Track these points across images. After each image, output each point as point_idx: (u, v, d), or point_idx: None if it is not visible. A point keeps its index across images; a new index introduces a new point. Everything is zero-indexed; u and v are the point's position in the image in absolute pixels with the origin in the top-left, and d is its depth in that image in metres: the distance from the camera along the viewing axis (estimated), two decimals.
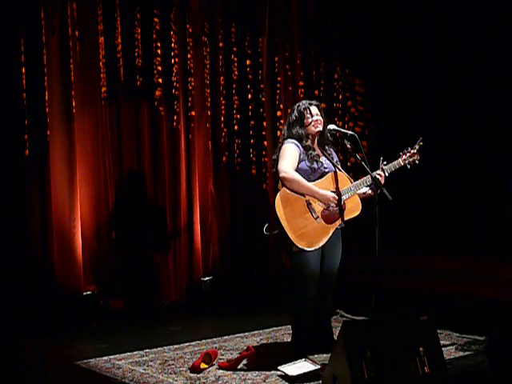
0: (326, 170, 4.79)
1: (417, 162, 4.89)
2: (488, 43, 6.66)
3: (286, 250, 4.80)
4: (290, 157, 4.71)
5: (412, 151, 4.89)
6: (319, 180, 4.74)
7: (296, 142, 4.77)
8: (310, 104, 4.88)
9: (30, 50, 6.02)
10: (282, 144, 4.82)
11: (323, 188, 4.70)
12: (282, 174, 4.66)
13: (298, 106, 4.90)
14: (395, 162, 4.87)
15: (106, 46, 6.41)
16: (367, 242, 5.19)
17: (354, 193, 4.76)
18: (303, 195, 4.67)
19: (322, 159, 4.81)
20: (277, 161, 4.79)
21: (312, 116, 4.82)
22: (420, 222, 7.32)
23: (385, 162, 4.84)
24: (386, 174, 4.81)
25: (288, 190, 4.65)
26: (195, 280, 6.85)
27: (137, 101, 6.60)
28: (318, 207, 4.68)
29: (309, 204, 4.66)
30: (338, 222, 4.74)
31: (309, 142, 4.81)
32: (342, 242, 4.90)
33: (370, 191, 4.81)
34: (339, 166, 4.83)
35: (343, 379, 3.76)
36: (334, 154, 4.96)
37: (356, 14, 7.60)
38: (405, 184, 6.77)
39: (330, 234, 4.72)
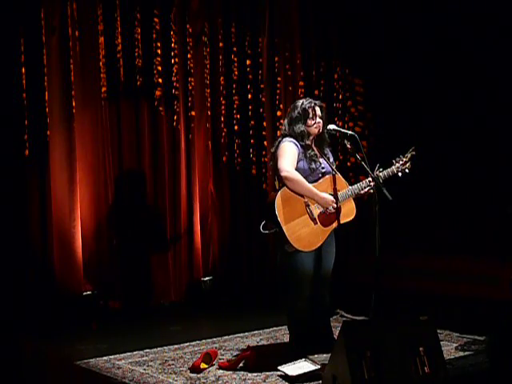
0: (324, 171, 4.77)
1: (407, 170, 4.91)
2: (488, 43, 6.66)
3: (280, 249, 4.76)
4: (290, 156, 4.68)
5: (404, 159, 4.91)
6: (317, 182, 4.72)
7: (295, 141, 4.74)
8: (315, 104, 4.82)
9: (30, 50, 6.02)
10: (281, 140, 4.78)
11: (322, 190, 4.69)
12: (283, 173, 4.61)
13: (302, 103, 4.81)
14: (389, 170, 4.86)
15: (106, 46, 6.41)
16: (367, 242, 5.20)
17: (350, 197, 4.76)
18: (302, 196, 4.66)
19: (320, 160, 4.80)
20: (275, 156, 4.75)
21: (315, 117, 4.79)
22: (420, 221, 7.32)
23: (381, 169, 4.85)
24: (381, 181, 4.81)
25: (288, 190, 4.64)
26: (195, 280, 6.85)
27: (137, 101, 6.60)
28: (316, 209, 4.67)
29: (307, 205, 4.65)
30: (334, 225, 4.72)
31: (308, 142, 4.78)
32: (335, 241, 4.87)
33: (368, 189, 4.79)
34: (334, 167, 4.82)
35: (343, 379, 3.76)
36: (330, 154, 4.93)
37: (356, 13, 7.60)
38: (405, 184, 6.78)
39: (326, 237, 4.71)
